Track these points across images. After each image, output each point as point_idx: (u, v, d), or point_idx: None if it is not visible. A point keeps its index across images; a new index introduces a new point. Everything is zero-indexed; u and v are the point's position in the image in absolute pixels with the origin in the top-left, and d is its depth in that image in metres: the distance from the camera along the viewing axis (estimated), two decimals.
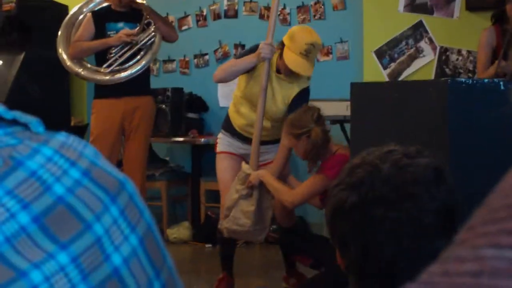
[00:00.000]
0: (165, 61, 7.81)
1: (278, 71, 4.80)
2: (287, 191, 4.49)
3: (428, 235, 1.37)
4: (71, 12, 6.21)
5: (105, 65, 5.69)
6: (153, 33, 5.73)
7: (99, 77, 5.72)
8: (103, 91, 5.74)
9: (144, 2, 5.76)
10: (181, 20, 7.70)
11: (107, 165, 0.62)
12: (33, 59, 6.93)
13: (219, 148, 5.06)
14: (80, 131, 7.37)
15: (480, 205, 0.48)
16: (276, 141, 4.86)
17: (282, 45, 4.76)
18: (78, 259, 0.56)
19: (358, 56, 6.72)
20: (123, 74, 5.67)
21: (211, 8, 7.53)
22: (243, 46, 7.28)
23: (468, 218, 0.48)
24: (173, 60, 7.78)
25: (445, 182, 1.41)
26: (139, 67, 5.69)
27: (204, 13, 7.57)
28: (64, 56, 5.88)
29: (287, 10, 7.11)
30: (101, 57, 5.74)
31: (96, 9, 5.99)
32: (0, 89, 6.78)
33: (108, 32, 5.76)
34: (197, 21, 7.62)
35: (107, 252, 0.57)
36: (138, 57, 5.70)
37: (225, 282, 4.95)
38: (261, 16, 7.19)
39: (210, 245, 6.48)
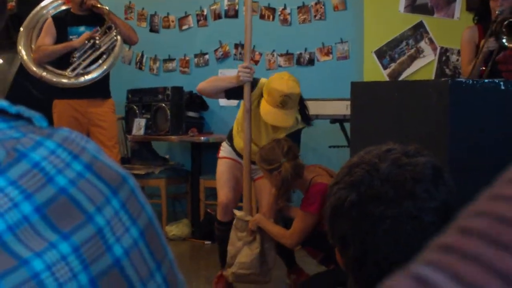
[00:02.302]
0: (165, 60, 7.81)
1: None
2: (283, 235, 4.48)
3: (427, 234, 1.37)
4: (30, 14, 6.28)
5: (69, 69, 5.81)
6: (114, 37, 5.86)
7: (63, 80, 5.83)
8: (65, 92, 5.86)
9: (106, 7, 5.91)
10: (182, 19, 7.70)
11: (109, 160, 0.62)
12: None
13: (221, 154, 5.10)
14: None
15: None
16: None
17: (261, 96, 4.75)
18: (79, 249, 0.56)
19: (359, 56, 6.72)
20: (88, 77, 5.82)
21: (212, 8, 7.53)
22: (243, 46, 7.28)
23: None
24: (173, 59, 7.79)
25: (444, 181, 1.41)
26: (102, 70, 5.85)
27: (205, 13, 7.57)
28: (26, 58, 5.98)
29: (288, 11, 7.10)
30: (62, 61, 5.85)
31: (55, 12, 6.09)
32: (1, 87, 6.78)
33: (70, 36, 5.90)
34: (198, 20, 7.62)
35: (109, 243, 0.58)
36: (101, 61, 5.85)
37: (224, 279, 4.97)
38: (262, 16, 7.19)
39: (209, 242, 6.49)
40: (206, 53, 7.59)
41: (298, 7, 7.05)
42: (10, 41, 6.83)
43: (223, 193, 4.95)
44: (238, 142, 4.92)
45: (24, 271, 0.54)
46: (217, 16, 7.51)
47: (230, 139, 5.06)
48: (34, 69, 5.92)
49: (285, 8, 7.11)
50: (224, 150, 5.09)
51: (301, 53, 7.02)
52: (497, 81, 2.93)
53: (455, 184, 1.44)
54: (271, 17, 7.17)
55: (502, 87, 2.88)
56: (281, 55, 7.12)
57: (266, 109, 4.64)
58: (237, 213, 4.72)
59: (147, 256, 0.60)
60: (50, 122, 5.76)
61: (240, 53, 7.32)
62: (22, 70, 6.90)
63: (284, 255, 5.01)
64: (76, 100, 5.86)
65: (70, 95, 5.85)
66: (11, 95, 6.65)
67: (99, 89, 5.89)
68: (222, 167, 5.03)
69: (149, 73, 7.90)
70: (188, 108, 7.32)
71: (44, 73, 5.89)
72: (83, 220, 0.57)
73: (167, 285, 0.62)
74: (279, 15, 7.15)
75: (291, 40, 7.03)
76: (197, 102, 7.44)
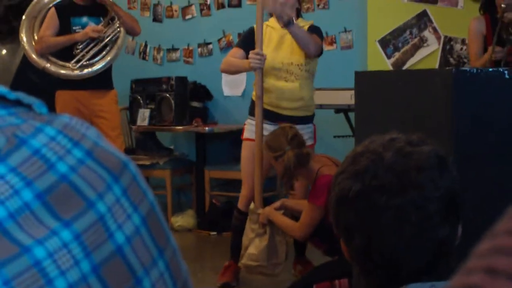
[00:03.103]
0: (169, 50, 7.80)
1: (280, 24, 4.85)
2: (292, 227, 4.46)
3: (431, 223, 1.37)
4: (33, 2, 6.23)
5: (73, 61, 5.79)
6: (118, 28, 5.83)
7: (66, 72, 5.82)
8: (67, 83, 5.84)
9: None
10: (185, 9, 7.69)
11: (109, 146, 0.62)
12: None
13: (245, 135, 5.01)
14: None
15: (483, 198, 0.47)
16: (307, 118, 4.87)
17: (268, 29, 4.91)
18: (81, 236, 0.56)
19: (362, 45, 6.70)
20: (91, 69, 5.79)
21: None
22: None
23: (470, 208, 0.47)
24: (177, 49, 7.77)
25: (448, 170, 1.41)
26: (106, 61, 5.81)
27: (208, 2, 7.55)
28: (28, 48, 5.94)
29: None
30: (65, 52, 5.81)
31: (58, 1, 6.04)
32: (4, 78, 6.77)
33: (73, 27, 5.85)
34: (201, 10, 7.60)
35: (110, 230, 0.57)
36: (104, 52, 5.81)
37: (232, 270, 4.97)
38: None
39: (215, 233, 6.49)
40: (210, 43, 7.57)
41: None
42: (11, 30, 6.80)
43: (247, 186, 4.90)
44: (265, 97, 4.81)
45: (25, 259, 0.54)
46: (221, 6, 7.49)
47: (251, 109, 4.97)
48: (37, 59, 5.90)
49: None
50: (248, 129, 4.99)
51: None
52: (501, 70, 2.92)
53: (459, 173, 1.44)
54: None
55: (506, 76, 2.87)
56: None
57: None
58: (251, 205, 4.70)
59: (149, 243, 0.60)
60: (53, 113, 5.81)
61: None
62: (26, 61, 6.91)
63: (296, 244, 5.01)
64: (79, 91, 5.84)
65: (72, 86, 5.83)
66: (15, 87, 6.65)
67: (101, 80, 5.86)
68: (246, 152, 4.95)
69: (152, 63, 7.89)
70: (192, 98, 7.31)
71: (48, 65, 5.87)
72: (84, 207, 0.57)
73: (170, 272, 0.61)
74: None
75: None
76: (201, 92, 7.43)
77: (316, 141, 5.08)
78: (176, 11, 7.74)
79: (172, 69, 7.61)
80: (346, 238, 1.43)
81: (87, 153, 0.59)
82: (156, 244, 0.60)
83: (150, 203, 0.62)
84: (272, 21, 4.97)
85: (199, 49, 7.63)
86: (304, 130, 4.74)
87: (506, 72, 2.89)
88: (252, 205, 4.69)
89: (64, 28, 5.84)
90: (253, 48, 4.77)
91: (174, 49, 7.78)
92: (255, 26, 4.88)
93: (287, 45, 4.88)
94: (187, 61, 7.72)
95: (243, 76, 6.79)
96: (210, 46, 7.57)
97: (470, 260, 0.43)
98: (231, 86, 7.26)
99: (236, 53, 4.95)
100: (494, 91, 2.87)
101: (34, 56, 5.92)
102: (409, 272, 1.38)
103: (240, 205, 4.95)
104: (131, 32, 5.97)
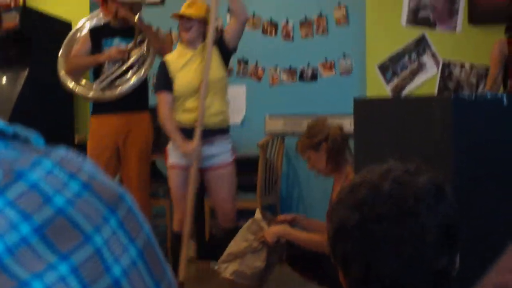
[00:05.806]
0: None
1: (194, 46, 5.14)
2: (321, 242, 3.97)
3: (430, 252, 1.37)
4: (71, 31, 6.20)
5: (96, 82, 5.63)
6: (145, 50, 5.64)
7: (91, 94, 5.67)
8: (98, 107, 5.70)
9: (136, 16, 5.60)
10: None
11: (106, 179, 0.63)
12: (37, 76, 6.94)
13: (170, 160, 5.21)
14: (84, 148, 7.33)
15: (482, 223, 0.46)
16: (223, 130, 5.08)
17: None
18: (78, 269, 0.56)
19: (361, 71, 6.73)
20: (114, 92, 5.59)
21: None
22: (246, 62, 7.29)
23: (471, 234, 0.47)
24: None
25: (446, 199, 1.41)
26: (130, 84, 5.58)
27: None
28: (62, 74, 5.86)
29: (290, 25, 7.12)
30: (97, 74, 5.68)
31: (94, 24, 5.97)
32: (4, 107, 6.79)
33: (104, 48, 5.67)
34: None
35: (107, 263, 0.58)
36: (130, 74, 5.60)
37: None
38: (264, 31, 7.20)
39: (215, 262, 6.45)
40: None
41: (301, 22, 7.06)
42: (9, 57, 6.80)
43: (180, 211, 5.21)
44: (187, 117, 5.11)
45: None
46: (220, 32, 7.51)
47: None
48: (70, 85, 5.76)
49: (287, 23, 7.12)
50: (172, 153, 5.21)
51: (304, 68, 7.03)
52: (499, 97, 2.93)
53: (457, 200, 1.44)
54: (273, 32, 7.17)
55: (505, 103, 2.88)
56: (284, 71, 7.12)
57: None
58: (257, 214, 4.52)
59: (146, 276, 0.60)
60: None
61: (243, 69, 7.31)
62: (27, 90, 6.91)
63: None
64: (107, 116, 5.61)
65: (102, 109, 5.65)
66: (16, 115, 6.65)
67: (131, 102, 5.61)
68: (176, 180, 5.20)
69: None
70: None
71: (76, 87, 5.74)
72: (81, 240, 0.57)
73: None
74: (282, 30, 7.16)
75: (293, 55, 7.04)
76: None
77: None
78: (174, 42, 7.76)
79: None
80: (344, 268, 1.43)
81: (83, 186, 0.60)
82: (153, 277, 0.61)
83: (147, 235, 0.62)
84: (179, 48, 5.19)
85: None
86: (226, 143, 5.11)
87: (504, 98, 2.90)
88: (257, 215, 4.52)
89: (96, 49, 5.67)
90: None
91: None
92: (165, 61, 5.12)
93: (199, 63, 5.07)
94: None
95: (242, 104, 6.81)
96: None
97: (482, 279, 0.43)
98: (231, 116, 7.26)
99: (167, 99, 5.13)
100: (492, 118, 2.88)
101: (67, 81, 5.81)
102: None
103: (178, 227, 5.22)
104: (161, 53, 5.60)
